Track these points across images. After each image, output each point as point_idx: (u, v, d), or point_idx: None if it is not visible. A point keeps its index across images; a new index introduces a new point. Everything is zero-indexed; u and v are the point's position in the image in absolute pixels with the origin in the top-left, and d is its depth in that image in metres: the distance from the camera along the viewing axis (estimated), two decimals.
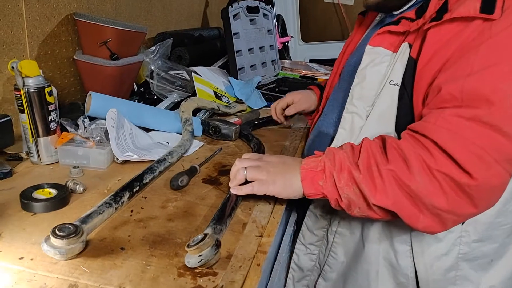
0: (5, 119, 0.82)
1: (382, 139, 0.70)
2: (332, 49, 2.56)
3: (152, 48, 1.43)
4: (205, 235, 0.60)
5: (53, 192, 0.74)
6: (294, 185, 0.71)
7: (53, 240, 0.59)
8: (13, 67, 0.81)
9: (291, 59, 2.48)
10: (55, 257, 0.59)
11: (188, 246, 0.59)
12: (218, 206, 0.78)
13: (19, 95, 0.83)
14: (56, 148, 0.89)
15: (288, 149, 1.09)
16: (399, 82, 0.73)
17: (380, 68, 0.76)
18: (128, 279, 0.57)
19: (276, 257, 0.82)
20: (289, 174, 0.72)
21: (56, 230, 0.59)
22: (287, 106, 1.18)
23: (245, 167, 0.73)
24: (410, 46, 0.72)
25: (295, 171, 0.71)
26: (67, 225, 0.60)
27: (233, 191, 0.75)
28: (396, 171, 0.64)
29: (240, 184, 0.75)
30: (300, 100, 1.17)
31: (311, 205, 0.90)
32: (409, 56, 0.72)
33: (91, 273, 0.57)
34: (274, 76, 1.90)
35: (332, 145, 0.82)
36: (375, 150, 0.68)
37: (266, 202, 0.82)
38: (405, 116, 0.73)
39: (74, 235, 0.59)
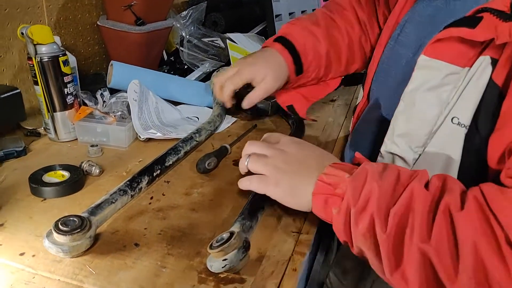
0: (14, 92, 0.74)
1: (441, 190, 0.44)
2: None
3: (184, 13, 1.31)
4: (231, 234, 0.49)
5: (66, 174, 0.66)
6: (302, 195, 0.53)
7: (55, 235, 0.50)
8: (22, 33, 0.72)
9: None
10: (58, 255, 0.51)
11: (211, 247, 0.49)
12: (249, 194, 0.67)
13: (32, 65, 0.75)
14: (73, 123, 0.81)
15: (331, 125, 0.96)
16: (467, 122, 0.49)
17: (440, 93, 0.51)
18: (138, 284, 0.48)
19: (315, 258, 0.71)
20: (300, 178, 0.53)
21: (59, 224, 0.51)
22: (243, 87, 0.83)
23: (249, 155, 0.58)
24: (494, 62, 0.47)
25: (310, 177, 0.52)
26: (72, 218, 0.52)
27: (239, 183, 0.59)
28: (435, 259, 0.39)
29: (245, 175, 0.59)
30: (265, 83, 0.80)
31: (331, 269, 0.72)
32: (490, 81, 0.47)
33: (98, 275, 0.49)
34: None
35: None
36: (421, 208, 0.42)
37: None
38: (473, 166, 0.51)
39: (79, 230, 0.51)
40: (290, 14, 1.58)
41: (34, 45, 0.74)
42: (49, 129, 0.81)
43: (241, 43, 1.39)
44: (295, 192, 0.54)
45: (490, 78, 0.47)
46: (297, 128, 0.89)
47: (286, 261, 0.53)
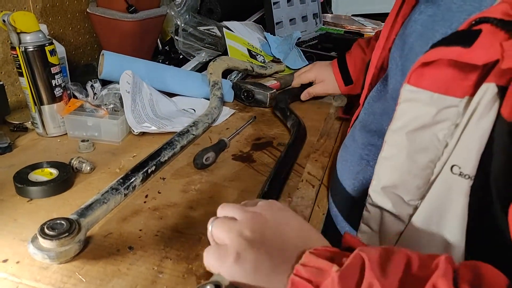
0: None
1: None
2: (378, 1, 2.28)
3: (178, 0, 1.25)
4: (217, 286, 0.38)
5: (54, 172, 0.62)
6: (270, 284, 0.37)
7: (41, 240, 0.46)
8: (4, 21, 0.67)
9: (332, 14, 2.23)
10: (44, 261, 0.46)
11: None
12: (250, 191, 0.63)
13: (16, 55, 0.70)
14: (63, 117, 0.76)
15: (327, 133, 0.91)
16: (472, 172, 0.37)
17: (434, 133, 0.39)
18: None
19: None
20: (270, 260, 0.38)
21: (46, 227, 0.47)
22: (309, 83, 1.00)
23: (215, 218, 0.43)
24: (501, 91, 0.34)
25: (284, 262, 0.37)
26: (59, 221, 0.48)
27: None
28: None
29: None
30: (325, 84, 0.97)
31: None
32: (498, 116, 0.34)
33: (89, 284, 0.45)
34: (315, 32, 1.69)
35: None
36: None
37: (309, 184, 0.67)
38: (483, 230, 0.39)
39: (67, 234, 0.46)
40: (288, 1, 1.53)
41: (18, 33, 0.69)
42: (36, 124, 0.76)
43: (239, 32, 1.34)
44: (261, 277, 0.37)
45: (499, 113, 0.34)
46: (296, 135, 0.78)
47: None
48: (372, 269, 0.32)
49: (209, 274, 0.45)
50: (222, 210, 0.44)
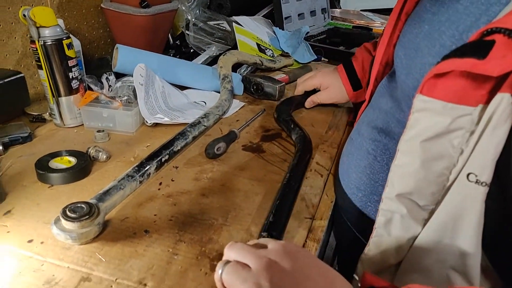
0: (17, 76, 0.72)
1: None
2: None
3: None
4: None
5: (73, 160, 0.65)
6: None
7: (63, 222, 0.49)
8: (24, 15, 0.70)
9: (341, 9, 2.23)
10: (67, 241, 0.49)
11: None
12: (260, 180, 0.66)
13: (35, 49, 0.73)
14: (79, 109, 0.79)
15: (335, 125, 0.93)
16: (488, 179, 0.38)
17: (449, 141, 0.40)
18: (150, 272, 0.46)
19: (327, 244, 0.70)
20: None
21: (67, 210, 0.50)
22: (313, 89, 0.95)
23: (226, 261, 0.41)
24: None
25: None
26: (80, 205, 0.50)
27: None
28: None
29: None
30: (330, 91, 0.92)
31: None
32: None
33: (108, 263, 0.48)
34: (324, 27, 1.70)
35: (367, 256, 0.49)
36: None
37: (317, 174, 0.69)
38: (500, 235, 0.42)
39: (88, 216, 0.49)
40: (299, 15, 1.55)
41: (37, 28, 0.72)
42: (54, 115, 0.79)
43: (248, 27, 1.36)
44: None
45: None
46: (302, 150, 0.72)
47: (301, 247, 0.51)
48: None
49: (221, 258, 0.48)
50: (232, 252, 0.42)
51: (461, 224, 0.41)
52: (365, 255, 0.49)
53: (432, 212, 0.43)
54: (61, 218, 0.49)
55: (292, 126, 0.81)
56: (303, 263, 0.40)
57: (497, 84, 0.36)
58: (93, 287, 0.44)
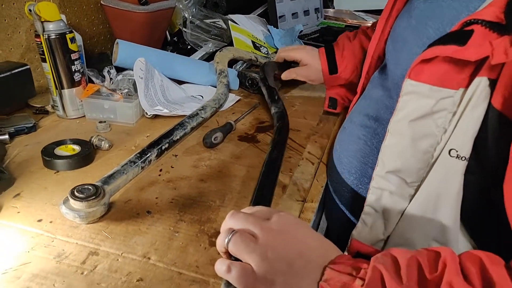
0: (23, 68, 0.75)
1: (484, 280, 0.34)
2: None
3: None
4: None
5: (77, 148, 0.68)
6: None
7: (72, 202, 0.53)
8: (30, 10, 0.73)
9: (334, 9, 2.28)
10: (75, 220, 0.53)
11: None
12: (256, 166, 0.69)
13: (39, 42, 0.76)
14: (81, 100, 0.82)
15: (326, 118, 0.97)
16: (466, 154, 0.43)
17: (433, 121, 0.44)
18: (153, 247, 0.50)
19: (318, 224, 0.74)
20: (300, 284, 0.39)
21: (75, 191, 0.53)
22: (292, 61, 0.97)
23: (232, 231, 0.41)
24: (492, 84, 0.40)
25: (311, 284, 0.39)
26: (87, 186, 0.54)
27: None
28: None
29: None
30: (309, 69, 0.93)
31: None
32: (490, 106, 0.40)
33: (114, 239, 0.51)
34: (317, 26, 1.74)
35: (357, 231, 0.53)
36: None
37: (309, 162, 0.73)
38: (477, 205, 0.46)
39: (94, 197, 0.53)
40: (292, 14, 1.59)
41: (42, 22, 0.75)
42: (57, 106, 0.82)
43: (243, 25, 1.39)
44: None
45: (490, 103, 0.40)
46: (279, 127, 0.79)
47: None
48: (392, 278, 0.35)
49: (218, 234, 0.52)
50: (235, 221, 0.42)
51: (443, 198, 0.45)
52: (356, 231, 0.53)
53: (417, 188, 0.47)
54: (70, 198, 0.52)
55: (276, 98, 0.88)
56: (304, 233, 0.42)
57: (476, 69, 0.40)
58: (100, 260, 0.48)
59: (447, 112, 0.43)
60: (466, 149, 0.42)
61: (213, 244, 0.51)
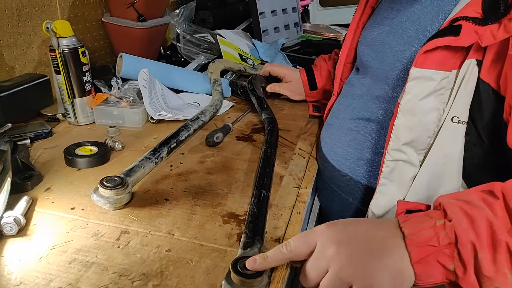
0: (44, 79, 0.83)
1: None
2: (352, 14, 2.48)
3: (177, 11, 1.41)
4: (259, 273, 0.46)
5: (94, 149, 0.76)
6: (404, 274, 0.42)
7: (101, 190, 0.61)
8: (47, 28, 0.81)
9: (311, 24, 2.42)
10: (105, 206, 0.61)
11: (236, 271, 0.46)
12: (255, 161, 0.79)
13: (54, 56, 0.84)
14: (91, 108, 0.90)
15: (313, 120, 1.08)
16: (466, 119, 0.54)
17: (437, 97, 0.55)
18: (175, 226, 0.59)
19: (311, 210, 0.83)
20: (390, 257, 0.43)
21: (104, 181, 0.61)
22: (276, 77, 1.10)
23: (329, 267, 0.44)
24: (479, 63, 0.52)
25: (396, 248, 0.43)
26: (113, 177, 0.62)
27: None
28: None
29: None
30: (291, 85, 1.07)
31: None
32: (479, 80, 0.52)
33: (140, 221, 0.59)
34: (297, 39, 1.87)
35: (376, 201, 0.63)
36: None
37: (300, 157, 0.82)
38: (474, 158, 0.56)
39: (121, 186, 0.61)
40: (272, 12, 1.71)
41: (57, 38, 0.83)
42: (69, 114, 0.90)
43: (230, 38, 1.50)
44: (398, 275, 0.42)
45: (478, 77, 0.52)
46: (270, 131, 0.87)
47: (291, 207, 0.65)
48: (463, 208, 0.42)
49: (230, 215, 0.61)
50: (325, 258, 0.44)
51: (449, 158, 0.56)
52: (375, 201, 0.63)
53: (425, 155, 0.58)
54: (100, 187, 0.61)
55: (265, 106, 0.99)
56: (352, 229, 0.46)
57: (466, 54, 0.53)
58: (132, 237, 0.56)
59: (445, 90, 0.55)
60: (464, 114, 0.54)
61: (226, 222, 0.60)
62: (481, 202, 0.42)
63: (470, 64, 0.52)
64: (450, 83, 0.54)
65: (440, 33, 0.54)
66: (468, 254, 0.39)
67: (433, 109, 0.56)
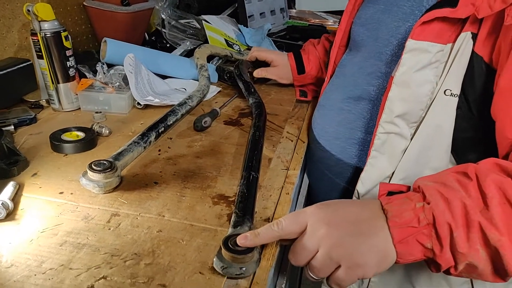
0: (27, 63, 0.82)
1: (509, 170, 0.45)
2: (337, 1, 2.49)
3: None
4: (249, 249, 0.47)
5: (81, 134, 0.75)
6: (388, 253, 0.45)
7: (90, 174, 0.60)
8: (28, 10, 0.79)
9: (296, 10, 2.42)
10: (94, 190, 0.60)
11: (227, 247, 0.47)
12: (243, 144, 0.79)
13: (36, 40, 0.82)
14: (76, 94, 0.89)
15: (300, 104, 1.08)
16: (458, 92, 0.55)
17: (431, 70, 0.56)
18: (166, 208, 0.59)
19: (299, 191, 0.85)
20: (375, 238, 0.45)
21: (93, 165, 0.61)
22: (264, 61, 1.10)
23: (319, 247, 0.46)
24: (474, 37, 0.52)
25: (381, 229, 0.45)
26: (102, 161, 0.62)
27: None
28: None
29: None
30: (278, 69, 1.07)
31: None
32: (473, 53, 0.52)
33: (130, 204, 0.59)
34: (283, 25, 1.86)
35: (366, 174, 0.63)
36: None
37: (288, 140, 0.83)
38: (464, 132, 0.57)
39: (110, 169, 0.61)
40: (260, 14, 1.70)
41: (39, 21, 0.81)
42: (53, 100, 0.88)
43: (215, 24, 1.49)
44: (383, 255, 0.45)
45: (473, 51, 0.52)
46: (257, 115, 0.87)
47: (280, 188, 0.66)
48: (439, 190, 0.44)
49: (220, 196, 0.61)
50: (318, 237, 0.46)
51: (439, 132, 0.57)
52: (365, 173, 0.64)
53: (417, 128, 0.59)
54: (88, 171, 0.60)
55: (252, 90, 0.98)
56: (342, 210, 0.49)
57: (461, 28, 0.53)
58: (122, 219, 0.56)
59: (440, 63, 0.55)
60: (457, 88, 0.55)
61: (216, 203, 0.61)
62: (456, 183, 0.45)
63: (465, 37, 0.53)
64: (445, 56, 0.55)
65: (438, 5, 0.54)
66: (445, 234, 0.43)
67: (427, 82, 0.56)
